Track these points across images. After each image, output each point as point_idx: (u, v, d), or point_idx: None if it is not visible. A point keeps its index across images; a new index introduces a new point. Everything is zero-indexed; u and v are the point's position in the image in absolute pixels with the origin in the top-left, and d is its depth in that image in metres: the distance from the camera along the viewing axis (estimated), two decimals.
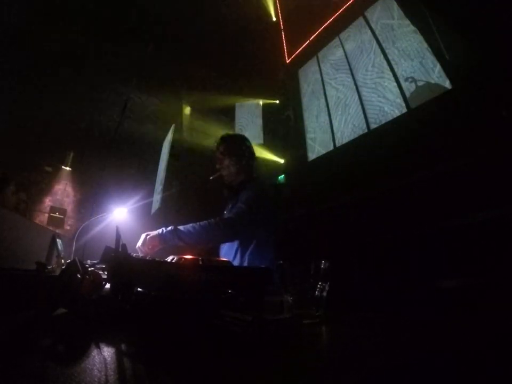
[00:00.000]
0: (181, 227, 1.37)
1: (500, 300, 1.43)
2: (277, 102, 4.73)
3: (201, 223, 1.37)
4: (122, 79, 4.90)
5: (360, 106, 3.16)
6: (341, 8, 3.77)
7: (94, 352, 0.39)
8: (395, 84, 2.80)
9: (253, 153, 1.71)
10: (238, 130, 4.82)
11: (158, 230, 1.36)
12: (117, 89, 5.10)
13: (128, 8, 4.23)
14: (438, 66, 2.40)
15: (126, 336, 0.51)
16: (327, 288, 0.66)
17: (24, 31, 4.10)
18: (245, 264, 1.48)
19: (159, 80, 5.06)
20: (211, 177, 1.69)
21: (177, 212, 4.61)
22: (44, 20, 4.03)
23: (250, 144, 1.74)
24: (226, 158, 1.64)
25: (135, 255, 1.06)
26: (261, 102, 4.80)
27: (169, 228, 1.36)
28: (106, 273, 0.82)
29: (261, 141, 4.53)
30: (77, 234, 1.88)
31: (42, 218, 5.64)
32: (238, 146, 1.67)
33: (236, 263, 1.48)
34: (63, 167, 5.96)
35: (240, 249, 1.52)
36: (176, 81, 5.12)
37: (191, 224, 1.38)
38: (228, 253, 1.58)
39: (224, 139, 1.71)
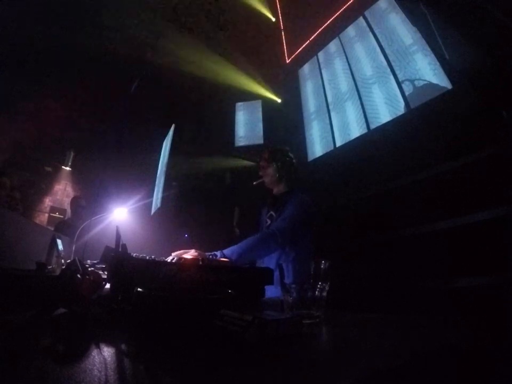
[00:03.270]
0: (228, 251, 1.39)
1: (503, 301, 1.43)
2: (277, 101, 4.72)
3: (247, 243, 1.42)
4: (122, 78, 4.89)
5: (360, 106, 3.16)
6: (341, 8, 3.77)
7: (94, 352, 0.39)
8: (395, 84, 2.80)
9: (294, 165, 1.83)
10: (238, 130, 4.82)
11: (200, 255, 1.30)
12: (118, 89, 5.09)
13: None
14: (438, 66, 2.40)
15: (126, 336, 0.51)
16: (327, 288, 0.66)
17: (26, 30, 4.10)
18: (290, 272, 1.52)
19: (159, 80, 5.06)
20: (254, 183, 1.83)
21: (177, 212, 4.61)
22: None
23: (293, 157, 1.86)
24: (269, 166, 1.77)
25: (135, 255, 1.06)
26: (261, 102, 4.79)
27: (218, 254, 1.37)
28: (106, 273, 0.83)
29: (261, 141, 4.52)
30: (77, 234, 1.87)
31: (42, 218, 5.64)
32: (281, 156, 1.80)
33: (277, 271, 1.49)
34: (63, 167, 5.96)
35: (282, 258, 1.57)
36: (177, 82, 5.12)
37: (237, 246, 1.41)
38: (268, 262, 1.58)
39: (269, 149, 1.86)
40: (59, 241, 1.45)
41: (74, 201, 3.30)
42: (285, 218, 1.56)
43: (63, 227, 2.83)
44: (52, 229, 2.86)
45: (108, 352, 0.39)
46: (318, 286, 0.65)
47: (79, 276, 0.64)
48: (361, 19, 3.42)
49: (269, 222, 1.76)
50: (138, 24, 4.53)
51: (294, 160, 1.84)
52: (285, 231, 1.50)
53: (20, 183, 4.79)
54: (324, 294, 0.65)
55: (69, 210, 5.71)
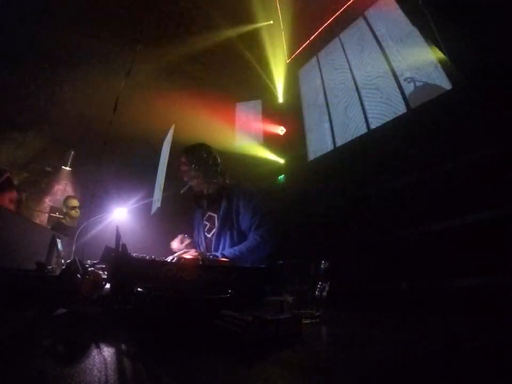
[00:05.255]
0: (228, 253, 1.40)
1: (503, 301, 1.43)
2: (277, 102, 4.72)
3: (246, 246, 1.44)
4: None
5: (360, 106, 3.16)
6: (341, 8, 3.77)
7: (94, 352, 0.39)
8: (395, 84, 2.80)
9: (215, 157, 1.72)
10: (238, 130, 4.83)
11: (200, 255, 1.32)
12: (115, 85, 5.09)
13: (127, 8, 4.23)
14: (438, 66, 2.40)
15: (126, 336, 0.51)
16: (327, 288, 0.66)
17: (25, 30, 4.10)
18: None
19: (158, 79, 5.06)
20: (181, 191, 1.70)
21: (177, 212, 4.61)
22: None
23: (211, 149, 1.74)
24: (191, 169, 1.64)
25: (135, 255, 1.06)
26: (261, 102, 4.79)
27: (218, 255, 1.38)
28: (106, 273, 0.83)
29: (261, 141, 4.53)
30: (77, 234, 1.87)
31: (42, 218, 5.63)
32: (198, 154, 1.67)
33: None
34: (63, 167, 5.96)
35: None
36: (176, 81, 5.11)
37: (236, 249, 1.43)
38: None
39: (184, 151, 1.71)
40: (59, 241, 1.45)
41: None
42: (262, 219, 1.54)
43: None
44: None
45: (107, 352, 0.39)
46: (318, 286, 0.65)
47: (79, 275, 0.64)
48: (361, 19, 3.42)
49: (208, 224, 1.66)
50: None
51: (212, 153, 1.70)
52: (276, 230, 1.55)
53: (19, 183, 4.79)
54: (324, 294, 0.65)
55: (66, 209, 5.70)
